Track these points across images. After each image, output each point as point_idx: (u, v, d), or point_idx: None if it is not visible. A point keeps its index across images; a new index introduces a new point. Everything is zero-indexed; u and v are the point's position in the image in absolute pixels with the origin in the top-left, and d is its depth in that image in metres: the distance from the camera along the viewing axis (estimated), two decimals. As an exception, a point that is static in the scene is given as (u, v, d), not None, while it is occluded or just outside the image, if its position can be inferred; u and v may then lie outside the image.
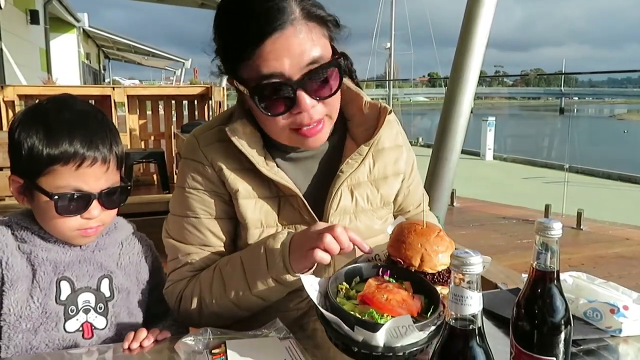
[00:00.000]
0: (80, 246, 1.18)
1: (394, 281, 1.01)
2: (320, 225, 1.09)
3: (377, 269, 1.04)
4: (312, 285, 0.99)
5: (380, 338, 0.86)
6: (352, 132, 1.27)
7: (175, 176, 6.86)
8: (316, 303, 0.96)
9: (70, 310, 1.14)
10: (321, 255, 1.03)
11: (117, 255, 1.25)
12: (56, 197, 1.08)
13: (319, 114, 1.11)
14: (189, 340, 1.03)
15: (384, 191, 1.29)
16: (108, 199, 1.14)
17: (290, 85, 1.05)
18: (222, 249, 1.25)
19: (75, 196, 1.10)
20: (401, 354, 0.88)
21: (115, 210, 1.20)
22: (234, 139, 1.16)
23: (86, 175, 1.10)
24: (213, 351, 1.00)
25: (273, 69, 1.04)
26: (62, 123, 1.10)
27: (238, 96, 1.23)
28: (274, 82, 1.05)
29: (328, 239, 1.02)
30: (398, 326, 0.85)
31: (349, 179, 1.22)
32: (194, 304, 1.19)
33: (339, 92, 1.14)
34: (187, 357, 1.00)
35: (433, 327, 0.90)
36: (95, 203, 1.12)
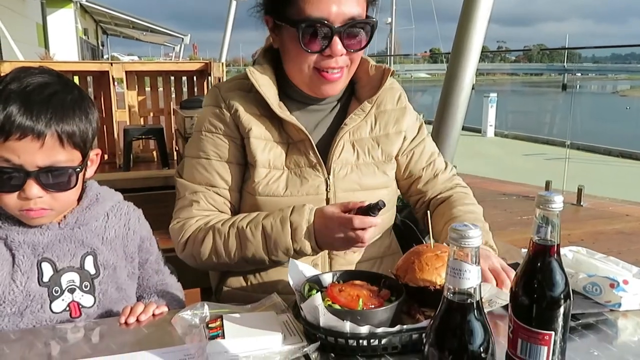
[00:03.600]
0: (59, 224, 1.14)
1: (380, 288, 1.05)
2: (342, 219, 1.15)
3: (379, 277, 1.08)
4: (298, 268, 1.08)
5: (305, 311, 0.95)
6: (358, 93, 1.41)
7: (175, 152, 6.87)
8: (291, 284, 1.04)
9: (55, 291, 1.12)
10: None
11: (102, 229, 1.20)
12: None
13: (343, 62, 1.26)
14: (185, 314, 1.03)
15: (385, 147, 1.39)
16: (48, 179, 1.05)
17: (330, 30, 1.21)
18: (227, 191, 1.34)
19: (3, 170, 1.02)
20: (322, 335, 0.92)
21: (70, 195, 1.11)
22: (253, 79, 1.29)
23: (16, 149, 1.01)
24: (210, 325, 1.00)
25: (321, 11, 1.20)
26: (3, 95, 1.03)
27: (266, 42, 1.38)
28: (318, 23, 1.21)
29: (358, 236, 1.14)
30: (312, 305, 0.92)
31: (352, 133, 1.35)
32: (205, 252, 1.27)
33: (362, 50, 1.29)
34: (183, 331, 1.00)
35: (363, 326, 0.90)
36: (31, 182, 1.03)
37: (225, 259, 1.26)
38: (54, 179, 1.06)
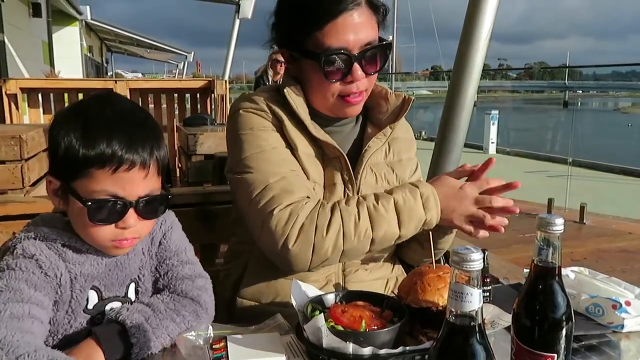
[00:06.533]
0: None
1: (382, 308, 1.05)
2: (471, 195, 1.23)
3: (381, 297, 1.09)
4: (300, 289, 1.09)
5: (308, 332, 0.95)
6: (374, 118, 1.45)
7: (177, 170, 6.87)
8: (294, 305, 1.05)
9: (97, 318, 1.08)
10: (482, 234, 1.24)
11: (144, 254, 1.15)
12: (89, 203, 0.98)
13: (363, 86, 1.31)
14: (190, 335, 1.03)
15: (399, 172, 1.45)
16: (146, 208, 1.03)
17: (350, 58, 1.25)
18: (304, 174, 1.30)
19: (110, 203, 0.99)
20: (325, 357, 0.93)
21: (153, 222, 1.09)
22: (290, 99, 1.31)
23: (123, 181, 0.99)
24: (214, 346, 1.00)
25: (340, 41, 1.24)
26: (101, 122, 1.00)
27: (287, 70, 1.41)
28: (339, 54, 1.25)
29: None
30: (315, 326, 0.92)
31: (370, 158, 1.38)
32: (332, 236, 1.17)
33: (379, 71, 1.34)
34: (187, 352, 1.00)
35: (366, 348, 0.91)
36: (131, 212, 1.01)
37: (351, 244, 1.18)
38: (150, 207, 1.05)
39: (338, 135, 1.40)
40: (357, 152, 1.39)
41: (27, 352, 0.87)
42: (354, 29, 1.24)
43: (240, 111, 1.34)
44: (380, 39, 1.30)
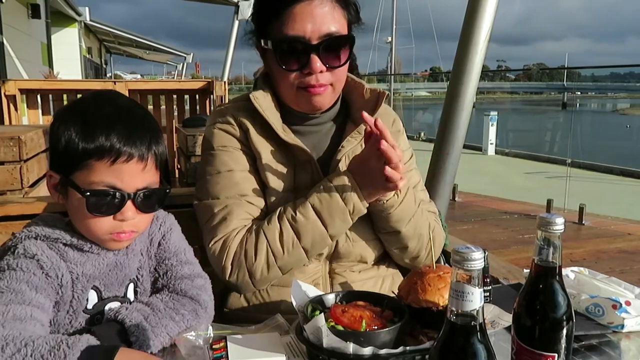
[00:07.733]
0: (114, 251, 1.10)
1: (382, 308, 1.05)
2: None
3: (382, 297, 1.10)
4: (301, 289, 1.10)
5: (308, 332, 0.95)
6: (353, 116, 1.41)
7: (176, 171, 6.86)
8: (294, 304, 1.05)
9: (97, 319, 1.09)
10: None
11: (142, 254, 1.15)
12: (88, 193, 1.00)
13: (325, 80, 1.26)
14: (190, 335, 1.03)
15: None
16: (144, 201, 1.05)
17: (306, 47, 1.22)
18: (259, 198, 1.30)
19: (108, 194, 1.01)
20: (325, 357, 0.93)
21: (151, 216, 1.11)
22: (256, 104, 1.29)
23: (121, 172, 1.01)
24: (214, 347, 1.00)
25: (297, 30, 1.22)
26: (101, 117, 1.03)
27: (263, 67, 1.38)
28: (294, 41, 1.22)
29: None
30: (315, 326, 0.93)
31: (348, 155, 1.34)
32: (262, 258, 1.22)
33: (345, 66, 1.29)
34: (187, 352, 1.00)
35: (366, 348, 0.91)
36: (129, 204, 1.03)
37: (283, 259, 1.22)
38: (148, 200, 1.06)
39: (315, 135, 1.38)
40: (335, 149, 1.36)
41: (32, 340, 0.87)
42: (312, 18, 1.21)
43: (209, 127, 1.37)
44: (349, 35, 1.27)
